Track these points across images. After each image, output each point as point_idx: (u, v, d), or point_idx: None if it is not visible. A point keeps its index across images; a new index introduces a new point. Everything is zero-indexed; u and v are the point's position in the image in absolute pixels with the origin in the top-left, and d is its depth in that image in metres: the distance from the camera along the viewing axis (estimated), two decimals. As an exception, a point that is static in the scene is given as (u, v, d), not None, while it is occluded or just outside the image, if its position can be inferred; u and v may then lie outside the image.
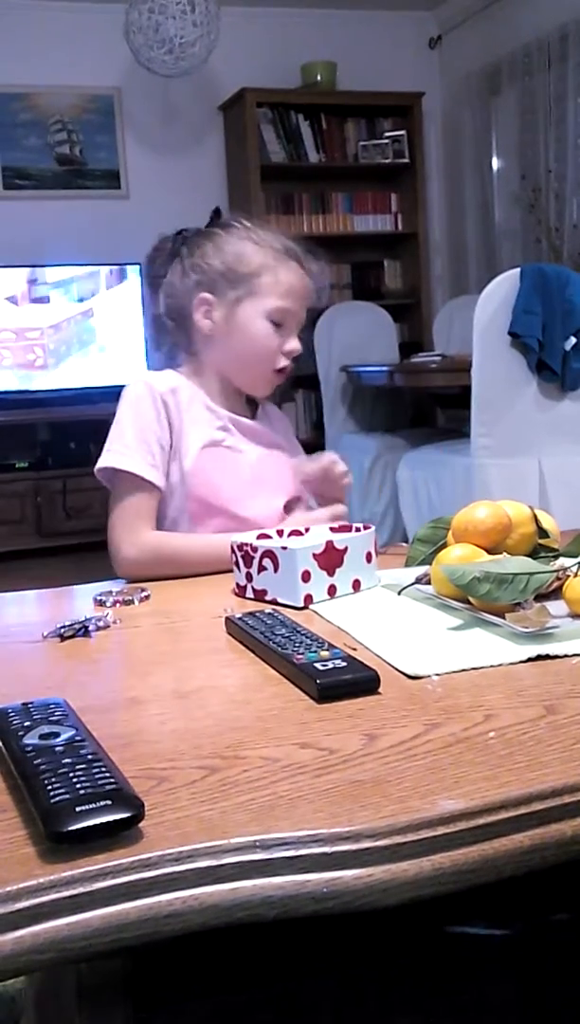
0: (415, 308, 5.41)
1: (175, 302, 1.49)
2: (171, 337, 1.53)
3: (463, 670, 0.85)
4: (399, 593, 1.11)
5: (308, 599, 1.10)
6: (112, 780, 0.61)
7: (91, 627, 1.04)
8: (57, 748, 0.66)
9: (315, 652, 0.86)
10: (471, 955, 0.77)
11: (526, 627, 0.92)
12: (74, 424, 4.73)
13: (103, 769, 0.62)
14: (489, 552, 1.08)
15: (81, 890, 0.54)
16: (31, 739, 0.67)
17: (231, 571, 1.19)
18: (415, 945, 0.77)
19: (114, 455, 1.39)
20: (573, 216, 4.62)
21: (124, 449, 1.39)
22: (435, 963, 0.78)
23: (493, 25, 5.07)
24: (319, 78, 5.20)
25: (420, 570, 1.13)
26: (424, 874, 0.58)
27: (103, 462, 1.39)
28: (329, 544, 1.13)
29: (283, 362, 1.47)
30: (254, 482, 1.45)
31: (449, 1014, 0.78)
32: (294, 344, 1.47)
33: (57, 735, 0.68)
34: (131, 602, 1.16)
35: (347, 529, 1.24)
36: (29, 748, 0.66)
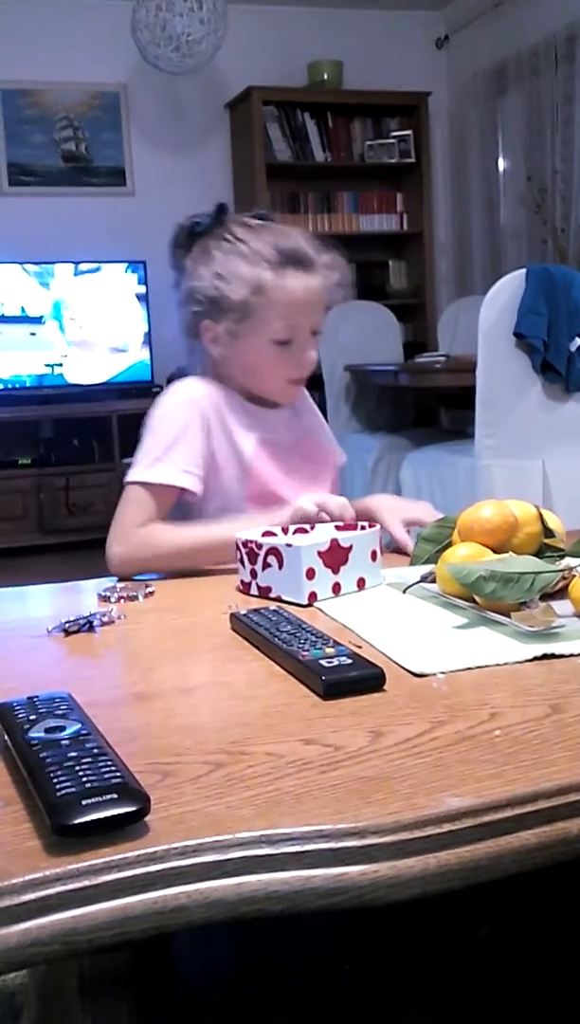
0: (420, 308, 5.41)
1: (186, 327, 1.47)
2: (193, 356, 1.50)
3: (468, 668, 0.85)
4: (404, 591, 1.11)
5: (313, 596, 1.10)
6: (118, 774, 0.60)
7: (95, 622, 1.04)
8: (63, 741, 0.65)
9: (320, 649, 0.86)
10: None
11: (531, 626, 0.92)
12: (77, 421, 4.73)
13: (109, 763, 0.62)
14: (495, 551, 1.08)
15: (87, 883, 0.54)
16: (36, 732, 0.67)
17: (229, 566, 1.18)
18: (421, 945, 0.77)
19: (143, 469, 1.34)
20: (579, 217, 4.62)
21: (154, 462, 1.34)
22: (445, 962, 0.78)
23: (500, 25, 5.06)
24: (326, 77, 5.20)
25: (425, 569, 1.13)
26: (430, 871, 0.58)
27: (133, 476, 1.34)
28: (334, 542, 1.12)
29: (297, 374, 1.44)
30: (295, 471, 1.44)
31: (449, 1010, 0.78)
32: (308, 356, 1.43)
33: (63, 728, 0.67)
34: (135, 598, 1.16)
35: (352, 527, 1.24)
36: (35, 741, 0.66)
